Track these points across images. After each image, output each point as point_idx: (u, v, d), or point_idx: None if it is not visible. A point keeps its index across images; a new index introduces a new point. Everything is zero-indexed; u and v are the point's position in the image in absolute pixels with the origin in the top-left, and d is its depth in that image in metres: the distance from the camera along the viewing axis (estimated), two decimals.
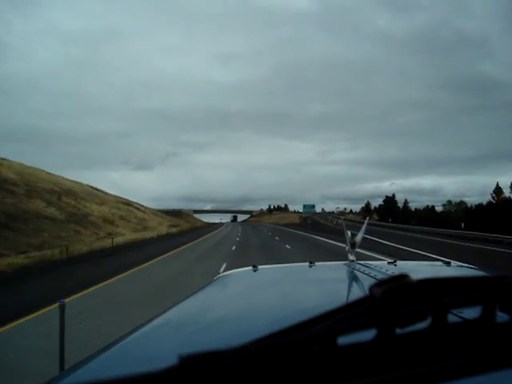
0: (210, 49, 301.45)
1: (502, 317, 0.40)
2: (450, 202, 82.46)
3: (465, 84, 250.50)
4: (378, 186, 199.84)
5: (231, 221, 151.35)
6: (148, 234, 36.14)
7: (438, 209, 79.66)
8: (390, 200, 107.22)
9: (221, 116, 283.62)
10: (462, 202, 76.67)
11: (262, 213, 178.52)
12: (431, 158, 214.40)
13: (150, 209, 66.81)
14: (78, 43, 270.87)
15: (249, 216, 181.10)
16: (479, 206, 53.81)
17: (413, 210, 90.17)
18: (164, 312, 1.21)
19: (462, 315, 0.53)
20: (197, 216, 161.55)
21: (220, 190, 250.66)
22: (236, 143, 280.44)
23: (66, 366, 2.77)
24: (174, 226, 56.68)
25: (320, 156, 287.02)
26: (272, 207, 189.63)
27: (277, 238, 33.63)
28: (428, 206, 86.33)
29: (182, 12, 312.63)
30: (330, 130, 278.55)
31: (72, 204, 31.35)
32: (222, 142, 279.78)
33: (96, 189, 50.58)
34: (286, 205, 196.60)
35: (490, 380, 0.41)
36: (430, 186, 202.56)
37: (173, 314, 1.22)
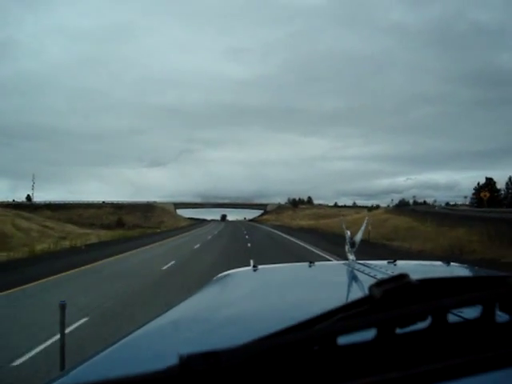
0: (222, 44, 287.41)
1: (502, 317, 0.40)
2: None
3: (481, 77, 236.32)
4: (393, 182, 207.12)
5: (220, 219, 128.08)
6: None
7: None
8: None
9: (234, 112, 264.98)
10: None
11: (280, 207, 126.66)
12: (446, 152, 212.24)
13: None
14: (90, 40, 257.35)
15: (261, 212, 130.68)
16: None
17: None
18: (165, 312, 1.21)
19: (462, 315, 0.52)
20: (181, 212, 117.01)
21: (233, 185, 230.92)
22: (249, 139, 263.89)
23: (67, 366, 2.80)
24: None
25: (334, 151, 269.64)
26: (298, 199, 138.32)
27: None
28: None
29: (194, 7, 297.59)
30: (344, 125, 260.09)
31: None
32: (235, 138, 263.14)
33: None
34: (309, 197, 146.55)
35: (490, 380, 0.40)
36: (446, 181, 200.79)
37: (173, 313, 1.22)
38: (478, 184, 73.09)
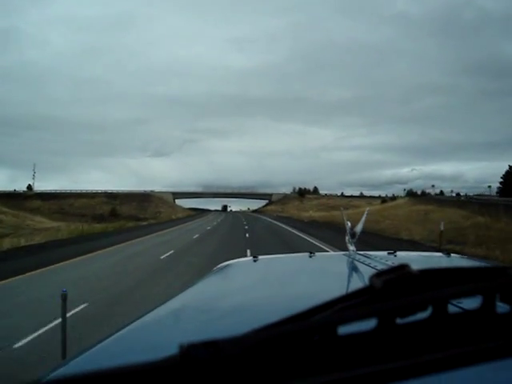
0: (226, 34, 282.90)
1: (502, 307, 0.40)
2: None
3: (486, 67, 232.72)
4: (397, 172, 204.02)
5: (221, 210, 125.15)
6: None
7: None
8: None
9: (238, 102, 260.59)
10: None
11: (286, 197, 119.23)
12: (452, 143, 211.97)
13: None
14: (92, 30, 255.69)
15: (266, 203, 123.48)
16: None
17: None
18: (166, 301, 1.22)
19: (462, 306, 0.51)
20: (182, 202, 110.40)
21: (237, 176, 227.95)
22: (253, 129, 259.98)
23: (68, 355, 2.81)
24: None
25: (338, 142, 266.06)
26: (304, 189, 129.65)
27: None
28: None
29: None
30: (349, 115, 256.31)
31: None
32: (239, 129, 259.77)
33: None
34: (315, 187, 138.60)
35: (491, 370, 0.40)
36: (451, 172, 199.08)
37: (174, 303, 1.23)
38: (506, 172, 67.03)
